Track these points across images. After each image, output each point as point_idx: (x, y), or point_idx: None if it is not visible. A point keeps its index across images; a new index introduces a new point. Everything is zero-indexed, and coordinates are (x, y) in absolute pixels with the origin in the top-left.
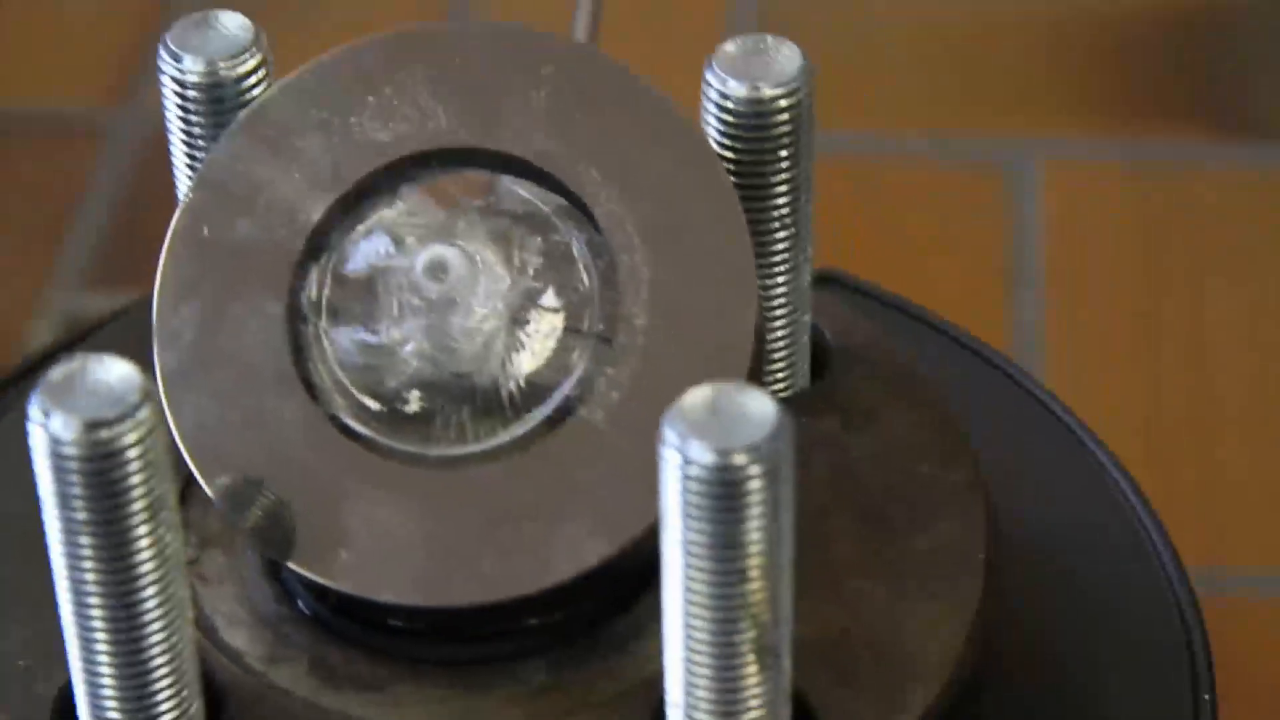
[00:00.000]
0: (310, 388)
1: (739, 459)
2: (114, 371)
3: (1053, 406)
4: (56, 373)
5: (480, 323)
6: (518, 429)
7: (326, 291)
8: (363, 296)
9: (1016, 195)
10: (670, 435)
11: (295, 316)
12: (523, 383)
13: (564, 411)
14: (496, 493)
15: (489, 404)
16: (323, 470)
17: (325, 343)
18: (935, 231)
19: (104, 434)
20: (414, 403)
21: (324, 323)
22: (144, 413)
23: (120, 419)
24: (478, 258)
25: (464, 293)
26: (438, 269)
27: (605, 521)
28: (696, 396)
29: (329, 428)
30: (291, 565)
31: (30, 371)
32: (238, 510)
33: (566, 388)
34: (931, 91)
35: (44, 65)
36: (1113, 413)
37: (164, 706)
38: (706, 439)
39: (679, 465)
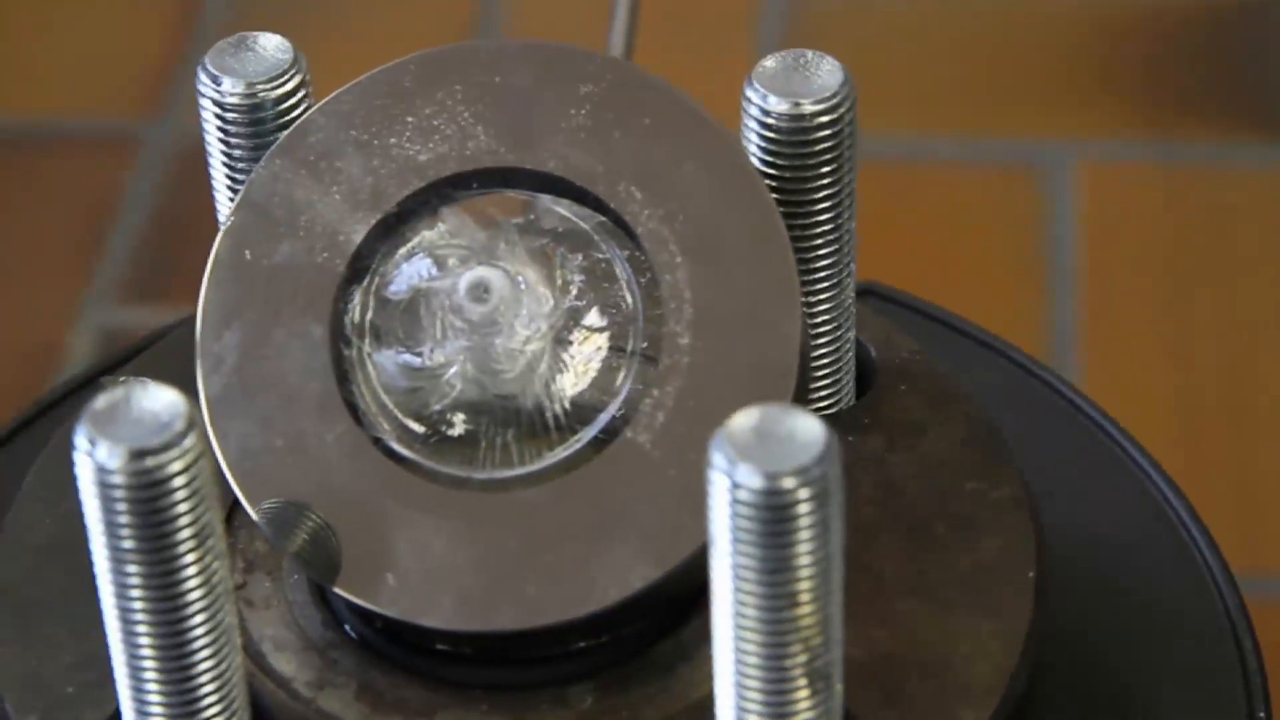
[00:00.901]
0: (354, 411)
1: (788, 482)
2: (159, 399)
3: (1097, 417)
4: (101, 401)
5: (524, 344)
6: (563, 451)
7: (370, 314)
8: (405, 319)
9: (1051, 196)
10: (718, 459)
11: (338, 339)
12: (567, 404)
13: (609, 433)
14: (542, 516)
15: (533, 426)
16: (367, 494)
17: (369, 366)
18: (970, 234)
19: (150, 462)
20: (458, 425)
21: (367, 345)
22: (189, 440)
23: (166, 447)
24: (520, 278)
25: (507, 314)
26: (480, 290)
27: (652, 545)
28: (743, 419)
29: (373, 451)
30: (337, 590)
31: (73, 393)
32: (283, 535)
33: (612, 409)
34: (963, 94)
35: (79, 79)
36: (1149, 413)
37: None
38: (755, 462)
39: (727, 489)
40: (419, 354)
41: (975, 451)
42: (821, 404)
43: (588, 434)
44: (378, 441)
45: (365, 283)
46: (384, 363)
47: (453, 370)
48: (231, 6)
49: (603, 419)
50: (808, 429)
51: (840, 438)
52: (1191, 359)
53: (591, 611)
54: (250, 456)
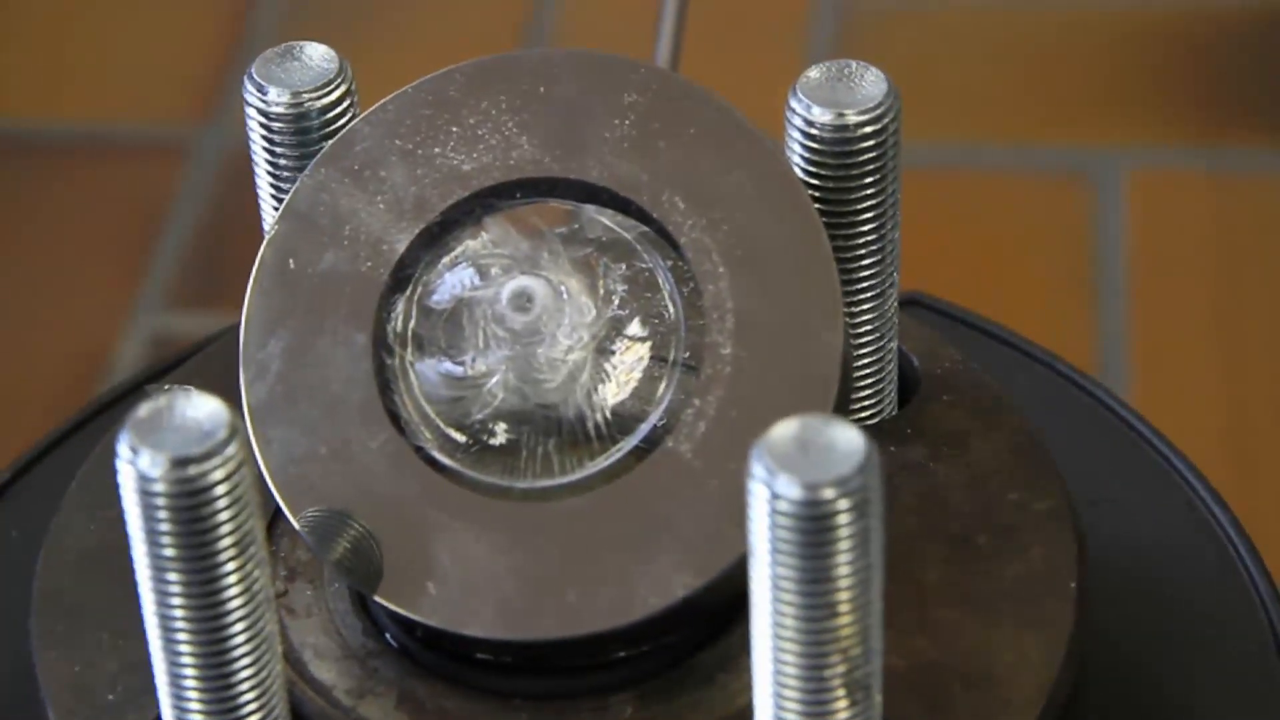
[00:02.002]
0: (396, 420)
1: (828, 493)
2: (202, 408)
3: (1141, 428)
4: (144, 409)
5: (565, 354)
6: (604, 461)
7: (412, 323)
8: (448, 328)
9: (1101, 205)
10: (758, 469)
11: (380, 348)
12: (609, 414)
13: (651, 443)
14: (583, 526)
15: (575, 436)
16: (409, 503)
17: (411, 375)
18: (1019, 243)
19: (192, 470)
20: (500, 435)
21: (409, 355)
22: (232, 449)
23: (208, 455)
24: (562, 288)
25: (549, 324)
26: (523, 300)
27: (692, 555)
28: (784, 430)
29: (415, 460)
30: (378, 598)
31: (120, 399)
32: (325, 543)
33: (653, 419)
34: (1014, 103)
35: (130, 86)
36: (1199, 424)
37: None
38: (794, 473)
39: (767, 500)
40: (461, 363)
41: (1018, 462)
42: (864, 414)
43: (629, 443)
44: (419, 450)
45: (408, 292)
46: (426, 372)
47: (494, 380)
48: (282, 16)
49: (644, 429)
50: (848, 439)
51: (882, 448)
52: (1243, 370)
53: (632, 621)
54: (293, 464)
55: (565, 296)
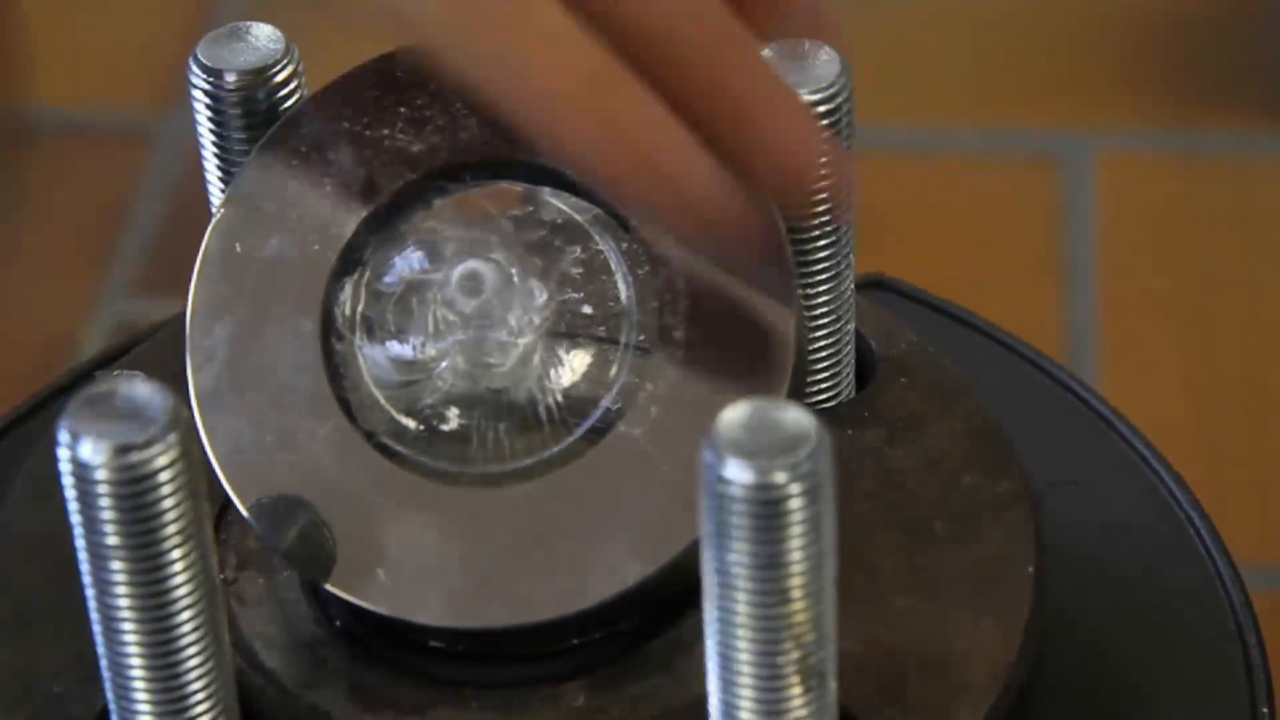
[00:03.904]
0: (346, 407)
1: (778, 477)
2: (144, 394)
3: (1104, 412)
4: (85, 395)
5: (516, 337)
6: (556, 446)
7: (361, 306)
8: (397, 311)
9: (1070, 188)
10: (708, 454)
11: (329, 333)
12: (560, 397)
13: (603, 426)
14: (534, 511)
15: (526, 420)
16: (359, 490)
17: (360, 360)
18: (987, 226)
19: (134, 458)
20: (452, 420)
21: (359, 339)
22: (174, 436)
23: (150, 442)
24: (512, 271)
25: (499, 307)
26: (472, 283)
27: (644, 541)
28: (734, 414)
29: (365, 447)
30: (328, 587)
31: (73, 385)
32: (275, 532)
33: (605, 402)
34: (981, 85)
35: (93, 72)
36: (1167, 408)
37: None
38: (745, 457)
39: (717, 485)
40: (411, 347)
41: (976, 445)
42: (821, 397)
43: (581, 428)
44: (370, 437)
45: (356, 276)
46: (376, 356)
47: (444, 364)
48: (249, 1)
49: (596, 413)
50: (799, 423)
51: (839, 431)
52: (1211, 354)
53: (584, 608)
54: (241, 453)
55: (515, 279)
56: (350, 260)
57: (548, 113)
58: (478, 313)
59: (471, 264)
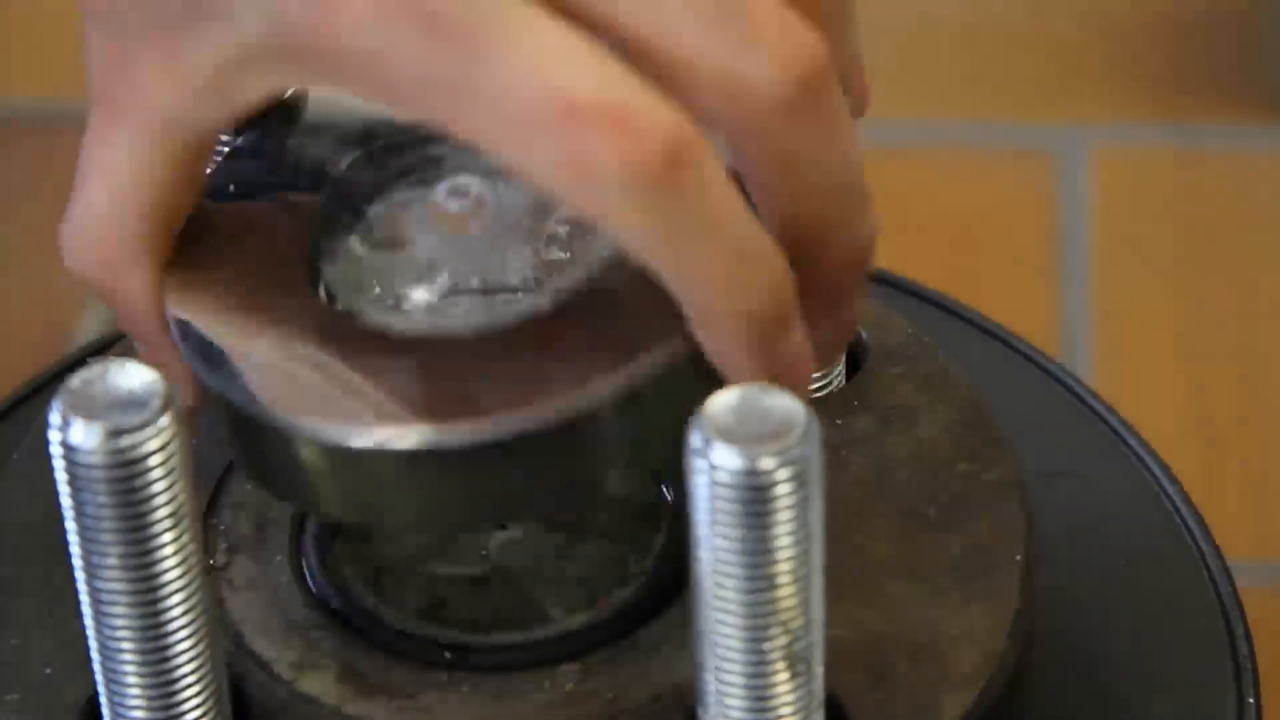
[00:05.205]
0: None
1: (766, 463)
2: (135, 378)
3: (1093, 403)
4: (76, 379)
5: (503, 234)
6: (530, 301)
7: (354, 235)
8: (387, 225)
9: (1064, 182)
10: (696, 440)
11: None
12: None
13: (582, 288)
14: (499, 336)
15: (505, 291)
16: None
17: (347, 259)
18: (981, 219)
19: (125, 442)
20: (431, 294)
21: (353, 244)
22: (165, 419)
23: (141, 426)
24: (500, 184)
25: (485, 211)
26: (459, 191)
27: (614, 351)
28: (722, 399)
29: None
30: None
31: (66, 372)
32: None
33: (584, 273)
34: (975, 79)
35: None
36: (1161, 401)
37: (190, 716)
38: (733, 443)
39: (706, 470)
40: (399, 250)
41: (966, 434)
42: (813, 385)
43: (559, 282)
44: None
45: (349, 218)
46: (361, 255)
47: (431, 257)
48: None
49: (574, 273)
50: (788, 408)
51: (830, 420)
52: (1206, 348)
53: (548, 414)
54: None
55: (501, 190)
56: (344, 200)
57: (728, 335)
58: (463, 211)
59: (460, 178)
